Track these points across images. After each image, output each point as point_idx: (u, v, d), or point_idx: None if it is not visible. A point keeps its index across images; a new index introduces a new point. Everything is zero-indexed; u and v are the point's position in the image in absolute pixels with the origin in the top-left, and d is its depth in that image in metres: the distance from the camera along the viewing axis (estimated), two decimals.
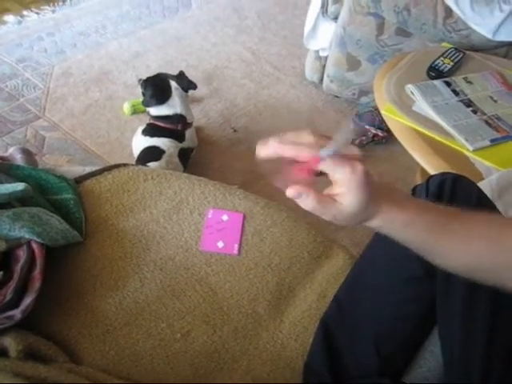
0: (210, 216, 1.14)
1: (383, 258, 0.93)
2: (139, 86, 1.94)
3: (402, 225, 0.64)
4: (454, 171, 1.00)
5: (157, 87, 1.86)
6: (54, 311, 0.96)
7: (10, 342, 0.83)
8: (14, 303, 0.88)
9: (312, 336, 0.97)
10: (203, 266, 1.06)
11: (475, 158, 1.33)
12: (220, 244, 1.10)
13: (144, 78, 1.93)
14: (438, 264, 0.69)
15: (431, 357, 0.88)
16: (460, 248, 0.65)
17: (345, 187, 0.59)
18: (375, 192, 0.60)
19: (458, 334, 0.79)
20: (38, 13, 2.76)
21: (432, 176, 0.92)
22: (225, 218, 1.14)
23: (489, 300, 0.77)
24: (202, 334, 0.97)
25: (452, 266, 0.68)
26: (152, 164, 1.67)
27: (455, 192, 0.86)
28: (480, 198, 0.87)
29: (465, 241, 0.65)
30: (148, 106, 1.87)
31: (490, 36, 1.78)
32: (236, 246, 1.10)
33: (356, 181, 0.59)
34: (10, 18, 2.69)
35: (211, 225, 1.13)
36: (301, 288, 1.06)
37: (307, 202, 0.59)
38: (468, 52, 1.72)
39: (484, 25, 1.77)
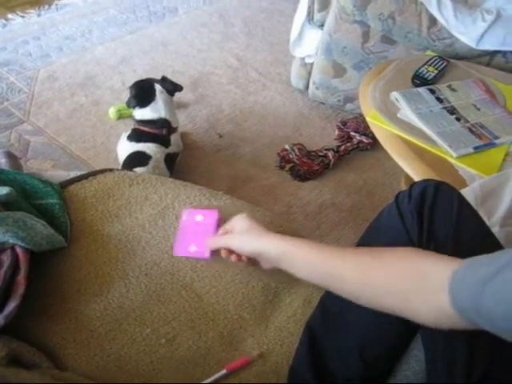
0: (184, 218, 1.11)
1: None
2: (125, 91, 1.93)
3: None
4: (438, 178, 1.02)
5: (140, 88, 1.87)
6: (38, 317, 0.95)
7: None
8: None
9: (297, 341, 0.98)
10: (189, 272, 1.06)
11: (459, 165, 1.34)
12: (192, 248, 1.07)
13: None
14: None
15: (415, 361, 0.89)
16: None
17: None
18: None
19: (440, 341, 0.80)
20: (23, 16, 2.75)
21: (415, 183, 0.93)
22: (199, 218, 1.10)
23: None
24: (187, 340, 0.97)
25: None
26: (138, 169, 1.67)
27: (437, 199, 0.88)
28: (461, 204, 0.88)
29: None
30: (129, 105, 1.87)
31: (473, 45, 1.81)
32: (208, 250, 1.06)
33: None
34: None
35: (185, 226, 1.10)
36: (286, 293, 1.06)
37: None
38: (452, 60, 1.74)
39: (467, 34, 1.80)
